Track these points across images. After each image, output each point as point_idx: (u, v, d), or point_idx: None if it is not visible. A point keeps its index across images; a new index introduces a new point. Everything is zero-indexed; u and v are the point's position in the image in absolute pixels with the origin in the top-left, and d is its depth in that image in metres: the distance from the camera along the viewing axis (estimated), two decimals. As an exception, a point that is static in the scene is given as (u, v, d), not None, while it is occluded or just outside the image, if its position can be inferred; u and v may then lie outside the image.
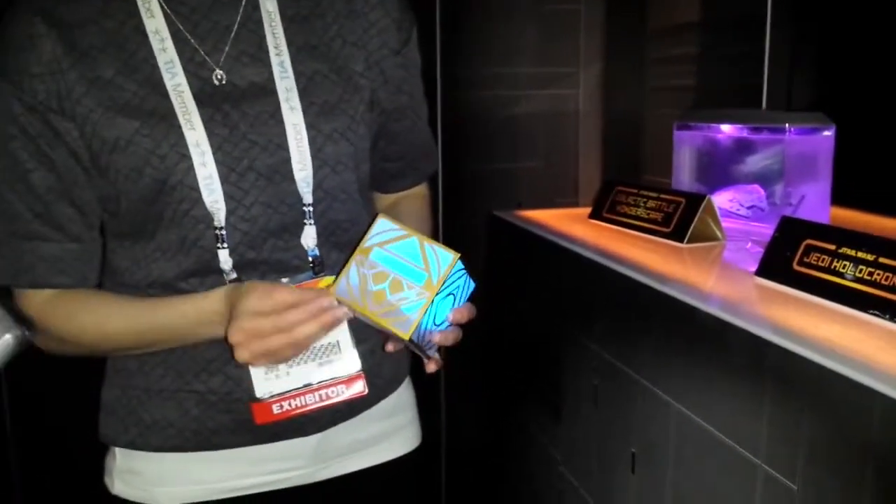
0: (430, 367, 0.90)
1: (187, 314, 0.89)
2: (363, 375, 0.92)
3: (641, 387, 1.23)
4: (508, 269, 1.83)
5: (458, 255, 0.83)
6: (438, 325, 0.87)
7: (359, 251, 0.84)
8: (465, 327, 0.92)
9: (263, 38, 0.91)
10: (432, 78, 2.28)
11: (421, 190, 1.16)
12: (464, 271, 0.86)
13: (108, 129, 0.86)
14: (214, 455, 0.96)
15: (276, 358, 0.86)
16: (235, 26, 0.90)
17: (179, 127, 0.86)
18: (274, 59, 0.90)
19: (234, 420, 0.95)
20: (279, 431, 0.95)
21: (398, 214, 1.07)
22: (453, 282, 0.85)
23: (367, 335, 0.96)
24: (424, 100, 1.08)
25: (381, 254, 0.84)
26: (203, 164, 0.87)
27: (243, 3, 0.91)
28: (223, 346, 0.92)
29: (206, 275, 0.91)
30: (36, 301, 0.92)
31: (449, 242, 0.85)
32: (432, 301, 0.82)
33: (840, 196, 1.45)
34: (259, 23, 0.91)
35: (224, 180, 0.88)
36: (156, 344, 0.93)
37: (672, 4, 2.14)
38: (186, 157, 0.86)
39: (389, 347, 0.94)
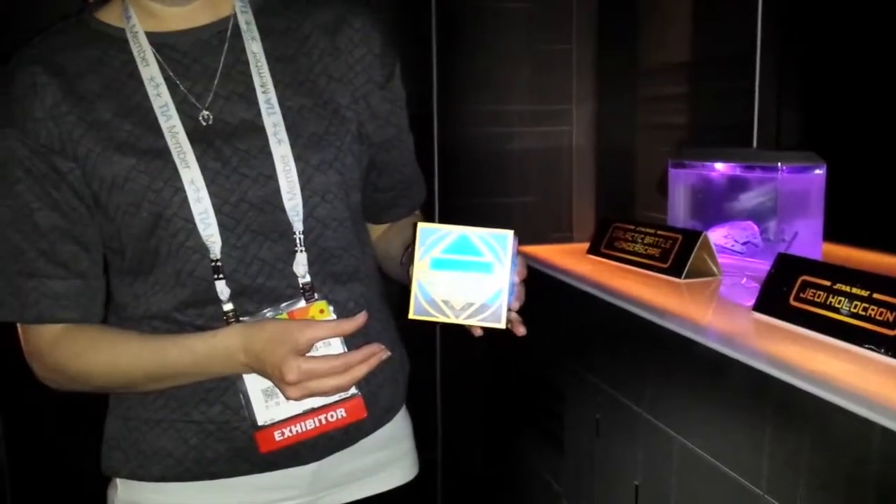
0: (521, 330, 0.91)
1: (199, 352, 0.92)
2: (361, 398, 0.95)
3: (643, 419, 1.25)
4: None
5: (511, 231, 0.83)
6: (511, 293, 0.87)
7: (417, 268, 0.84)
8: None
9: (251, 77, 0.95)
10: (429, 115, 2.33)
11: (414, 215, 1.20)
12: None
13: (106, 167, 0.91)
14: (213, 484, 0.99)
15: (321, 395, 0.90)
16: (223, 68, 0.95)
17: (174, 163, 0.91)
18: (261, 97, 0.95)
19: (232, 449, 0.97)
20: (277, 460, 0.97)
21: (394, 235, 1.12)
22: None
23: None
24: (410, 132, 1.11)
25: (439, 261, 0.84)
26: (198, 199, 0.91)
27: (228, 46, 0.96)
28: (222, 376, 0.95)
29: (203, 305, 0.94)
30: (45, 338, 0.95)
31: None
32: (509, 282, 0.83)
33: (831, 232, 1.49)
34: (246, 64, 0.96)
35: (217, 211, 0.92)
36: (165, 381, 0.95)
37: (662, 44, 2.19)
38: (181, 190, 0.91)
39: (477, 332, 0.91)
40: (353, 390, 0.95)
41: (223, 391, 0.96)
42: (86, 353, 0.95)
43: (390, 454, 1.09)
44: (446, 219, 2.31)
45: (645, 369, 1.25)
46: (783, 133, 1.72)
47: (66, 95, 0.91)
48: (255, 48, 0.96)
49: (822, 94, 1.70)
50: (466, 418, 2.37)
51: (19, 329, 0.97)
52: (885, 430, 0.81)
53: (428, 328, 0.87)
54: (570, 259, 1.66)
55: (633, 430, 1.28)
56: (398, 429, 1.10)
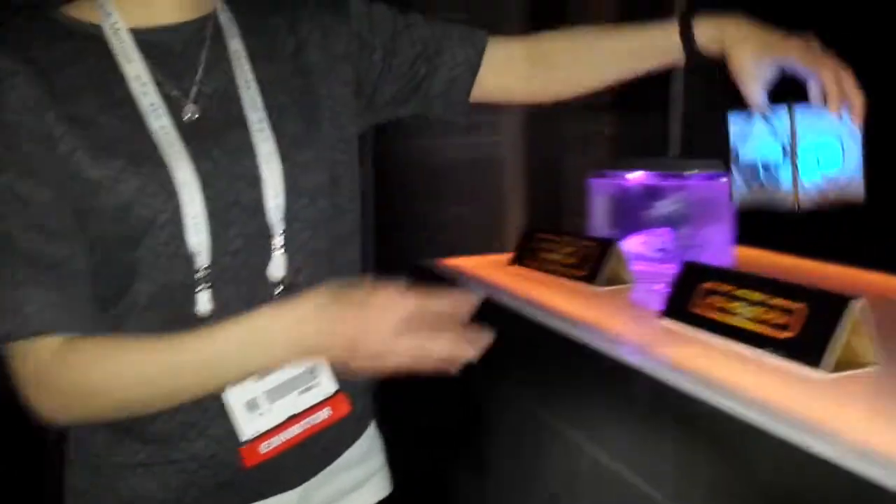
0: None
1: (241, 338, 0.84)
2: (343, 394, 0.92)
3: (558, 430, 1.26)
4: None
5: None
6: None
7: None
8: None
9: (233, 75, 0.93)
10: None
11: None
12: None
13: (92, 169, 0.84)
14: None
15: (432, 355, 0.86)
16: (205, 65, 0.92)
17: (167, 165, 0.85)
18: (244, 94, 0.92)
19: (218, 483, 0.92)
20: (263, 489, 0.94)
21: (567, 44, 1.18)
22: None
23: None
24: (407, 13, 1.08)
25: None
26: (191, 201, 0.85)
27: (209, 43, 0.93)
28: (204, 406, 0.89)
29: (185, 325, 0.86)
30: (44, 355, 0.82)
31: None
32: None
33: (746, 236, 1.52)
34: (228, 61, 0.93)
35: (210, 216, 0.86)
36: (194, 383, 0.84)
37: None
38: (175, 194, 0.85)
39: None
40: (334, 386, 0.92)
41: (209, 422, 0.90)
42: (97, 361, 0.83)
43: (365, 471, 1.07)
44: (383, 230, 2.32)
45: (558, 380, 1.26)
46: (696, 142, 1.76)
47: (44, 90, 0.83)
48: (235, 45, 0.94)
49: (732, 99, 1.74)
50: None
51: (10, 355, 0.83)
52: (774, 438, 0.82)
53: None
54: (493, 270, 1.66)
55: (548, 441, 1.29)
56: (372, 443, 1.09)
